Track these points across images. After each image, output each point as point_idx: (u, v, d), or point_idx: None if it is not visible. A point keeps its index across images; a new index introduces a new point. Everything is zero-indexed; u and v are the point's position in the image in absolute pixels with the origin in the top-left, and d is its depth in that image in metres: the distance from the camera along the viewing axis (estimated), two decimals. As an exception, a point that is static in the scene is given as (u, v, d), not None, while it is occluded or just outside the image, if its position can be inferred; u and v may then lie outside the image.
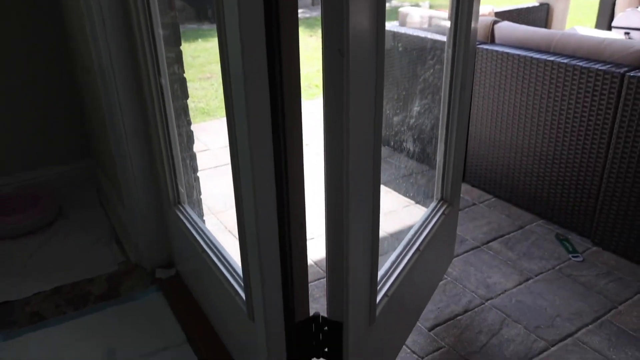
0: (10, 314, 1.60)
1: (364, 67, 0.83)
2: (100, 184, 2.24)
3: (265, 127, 0.85)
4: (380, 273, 1.23)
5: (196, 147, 1.70)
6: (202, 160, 2.72)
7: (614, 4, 3.65)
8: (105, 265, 1.82)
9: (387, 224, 2.09)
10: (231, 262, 1.30)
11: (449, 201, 1.52)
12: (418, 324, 1.59)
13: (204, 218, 1.84)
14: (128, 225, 1.80)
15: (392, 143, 1.88)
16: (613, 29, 3.33)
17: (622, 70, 1.71)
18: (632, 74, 1.68)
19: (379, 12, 0.86)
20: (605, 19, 3.62)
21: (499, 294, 1.71)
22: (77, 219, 2.12)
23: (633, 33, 3.14)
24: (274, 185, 0.90)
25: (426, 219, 1.44)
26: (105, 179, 2.13)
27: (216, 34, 0.88)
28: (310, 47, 5.19)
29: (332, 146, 0.87)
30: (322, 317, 1.04)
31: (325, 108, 0.85)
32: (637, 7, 3.35)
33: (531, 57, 1.97)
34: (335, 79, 0.80)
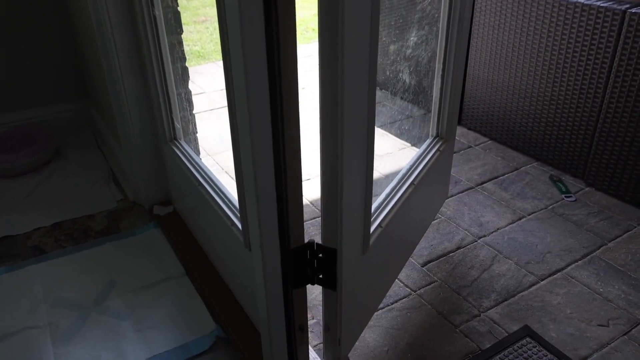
0: (11, 248, 1.63)
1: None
2: (96, 124, 2.23)
3: (261, 67, 0.84)
4: (375, 205, 1.25)
5: (192, 90, 1.68)
6: (198, 103, 2.70)
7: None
8: (104, 203, 1.84)
9: (383, 166, 2.11)
10: (227, 194, 1.32)
11: (445, 138, 1.53)
12: (411, 259, 1.63)
13: (200, 158, 1.85)
14: (125, 164, 1.80)
15: (388, 73, 1.86)
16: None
17: (623, 7, 1.68)
18: (633, 10, 1.65)
19: None
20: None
21: (492, 232, 1.74)
22: (75, 159, 2.13)
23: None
24: (269, 114, 0.90)
25: (421, 154, 1.45)
26: (101, 119, 2.12)
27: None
28: (308, -9, 5.04)
29: (327, 65, 0.86)
30: (317, 244, 1.07)
31: (321, 29, 0.84)
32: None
33: (533, -5, 1.92)
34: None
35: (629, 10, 1.66)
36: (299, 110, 0.94)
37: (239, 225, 1.20)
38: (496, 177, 2.05)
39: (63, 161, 2.11)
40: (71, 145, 2.22)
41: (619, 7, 1.68)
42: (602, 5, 1.72)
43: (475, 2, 2.15)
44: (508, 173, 2.07)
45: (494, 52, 2.15)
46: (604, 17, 1.72)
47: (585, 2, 1.77)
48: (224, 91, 2.92)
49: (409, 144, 2.27)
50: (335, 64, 0.85)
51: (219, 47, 3.52)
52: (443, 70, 1.41)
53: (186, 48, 1.60)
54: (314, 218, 1.82)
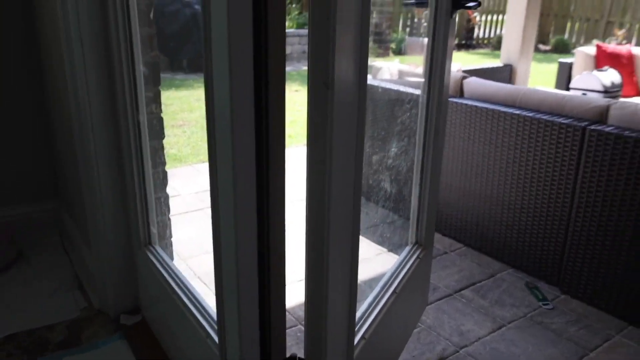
0: (-42, 363, 1.49)
1: (347, 100, 0.85)
2: (65, 226, 2.16)
3: (250, 170, 0.85)
4: (358, 315, 1.21)
5: (168, 193, 1.67)
6: (172, 206, 2.67)
7: (571, 68, 3.91)
8: (66, 312, 1.72)
9: (360, 272, 2.08)
10: (203, 304, 1.25)
11: (424, 245, 1.53)
12: (393, 372, 1.55)
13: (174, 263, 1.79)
14: (94, 269, 1.72)
15: (369, 181, 1.90)
16: (571, 90, 3.54)
17: (583, 124, 1.80)
18: (592, 127, 1.77)
19: (362, 51, 0.89)
20: (563, 81, 3.85)
21: (473, 342, 1.70)
22: (38, 263, 2.02)
23: (589, 94, 3.34)
24: (255, 223, 0.89)
25: (402, 262, 1.44)
26: (71, 221, 2.06)
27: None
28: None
29: (314, 174, 0.87)
30: (300, 358, 1.01)
31: (310, 140, 0.86)
32: (592, 71, 3.59)
33: (498, 111, 2.06)
34: (320, 110, 0.82)
35: (588, 127, 1.78)
36: (285, 210, 0.93)
37: (215, 338, 1.13)
38: (473, 284, 2.04)
39: (25, 265, 2.01)
40: (35, 247, 2.13)
41: (579, 124, 1.81)
42: (563, 122, 1.85)
43: (447, 115, 2.28)
44: (485, 280, 2.07)
45: (465, 162, 2.25)
46: (566, 133, 1.84)
47: (548, 119, 1.89)
48: (199, 194, 2.92)
49: (385, 249, 2.26)
50: (323, 176, 0.86)
51: (195, 151, 3.57)
52: (421, 179, 1.45)
53: (163, 151, 1.61)
54: (290, 327, 1.74)
